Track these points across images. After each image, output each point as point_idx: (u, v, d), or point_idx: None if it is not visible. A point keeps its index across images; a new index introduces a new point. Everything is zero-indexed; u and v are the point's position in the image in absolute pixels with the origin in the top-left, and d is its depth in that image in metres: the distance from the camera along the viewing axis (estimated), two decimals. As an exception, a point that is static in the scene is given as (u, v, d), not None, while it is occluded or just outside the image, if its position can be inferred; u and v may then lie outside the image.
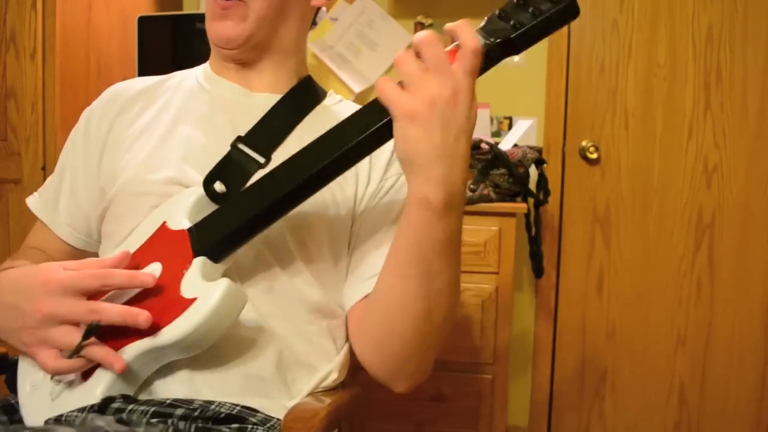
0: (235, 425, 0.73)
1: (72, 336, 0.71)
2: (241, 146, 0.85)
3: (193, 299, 0.71)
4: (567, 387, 2.16)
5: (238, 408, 0.75)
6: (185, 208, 0.79)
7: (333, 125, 0.80)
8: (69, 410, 0.73)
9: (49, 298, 0.72)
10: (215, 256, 0.75)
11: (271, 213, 0.75)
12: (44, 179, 0.97)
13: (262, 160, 0.84)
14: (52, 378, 0.76)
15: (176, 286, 0.73)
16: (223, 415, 0.73)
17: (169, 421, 0.70)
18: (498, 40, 0.73)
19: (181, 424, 0.70)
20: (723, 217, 2.03)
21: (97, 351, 0.72)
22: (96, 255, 0.92)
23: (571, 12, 0.72)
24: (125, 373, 0.73)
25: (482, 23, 0.75)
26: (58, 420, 0.72)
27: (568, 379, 2.16)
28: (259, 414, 0.76)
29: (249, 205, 0.75)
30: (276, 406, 0.80)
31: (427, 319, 0.76)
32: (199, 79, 0.95)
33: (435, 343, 0.80)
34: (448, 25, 0.72)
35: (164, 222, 0.79)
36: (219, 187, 0.81)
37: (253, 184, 0.77)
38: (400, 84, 0.68)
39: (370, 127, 0.71)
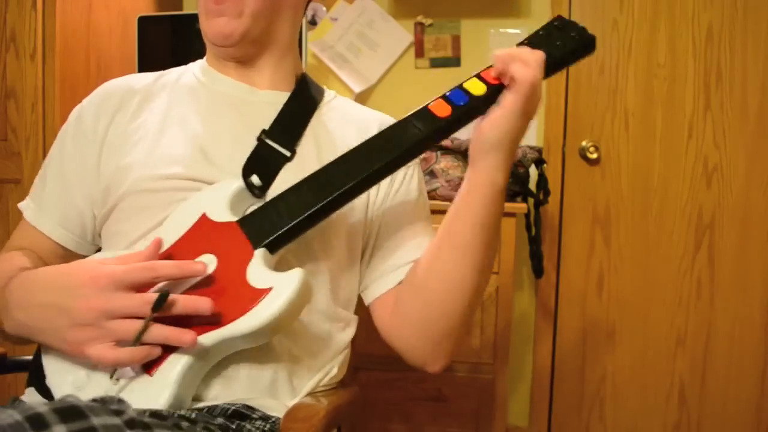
0: (241, 422, 0.73)
1: (130, 326, 0.69)
2: (268, 140, 0.86)
3: (268, 289, 0.71)
4: (567, 387, 2.16)
5: (241, 405, 0.75)
6: (226, 200, 0.79)
7: (341, 119, 0.91)
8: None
9: (102, 293, 0.69)
10: (273, 249, 0.76)
11: (329, 208, 0.78)
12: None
13: (288, 153, 0.87)
14: (111, 376, 0.71)
15: (242, 277, 0.72)
16: (230, 411, 0.73)
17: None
18: None
19: (184, 424, 0.68)
20: (723, 217, 2.03)
21: (164, 330, 0.69)
22: (85, 256, 0.89)
23: (590, 47, 0.86)
24: (194, 365, 0.71)
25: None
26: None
27: (568, 378, 2.16)
28: (257, 411, 0.76)
29: (306, 200, 0.77)
30: (280, 406, 0.80)
31: (476, 294, 0.85)
32: (198, 75, 0.94)
33: (471, 319, 0.89)
34: (508, 56, 0.79)
35: (204, 213, 0.79)
36: (256, 180, 0.83)
37: (304, 180, 0.79)
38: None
39: (426, 131, 0.79)
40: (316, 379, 0.85)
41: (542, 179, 1.85)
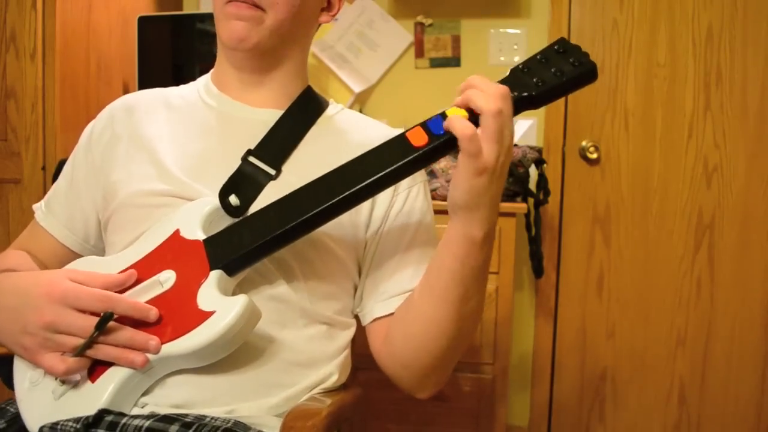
0: None
1: (75, 340, 0.72)
2: (252, 159, 0.86)
3: (211, 312, 0.72)
4: (567, 387, 2.16)
5: (232, 422, 0.75)
6: (199, 218, 0.80)
7: (337, 137, 0.89)
8: (68, 416, 0.73)
9: (52, 307, 0.73)
10: (231, 271, 0.76)
11: (292, 234, 0.76)
12: (44, 179, 0.98)
13: (272, 172, 0.86)
14: (56, 377, 0.76)
15: (192, 298, 0.74)
16: (220, 430, 0.73)
17: None
18: (522, 94, 0.75)
19: None
20: (723, 217, 2.03)
21: (112, 351, 0.73)
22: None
23: (591, 76, 0.77)
24: (134, 377, 0.74)
25: (506, 75, 0.77)
26: (54, 428, 0.72)
27: (568, 379, 2.16)
28: (252, 430, 0.76)
29: (269, 225, 0.76)
30: (270, 409, 0.80)
31: (458, 338, 0.83)
32: (201, 93, 0.95)
33: (459, 355, 0.88)
34: (466, 84, 0.74)
35: (177, 229, 0.80)
36: (234, 200, 0.82)
37: (272, 204, 0.78)
38: (473, 121, 0.71)
39: (396, 162, 0.74)
40: (315, 379, 0.85)
41: (542, 179, 1.85)
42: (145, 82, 1.99)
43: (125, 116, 0.93)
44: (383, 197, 0.90)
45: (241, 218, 0.80)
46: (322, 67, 2.25)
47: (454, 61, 2.19)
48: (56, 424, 0.72)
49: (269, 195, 0.83)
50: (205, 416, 0.75)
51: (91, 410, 0.72)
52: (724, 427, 2.06)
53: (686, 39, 2.02)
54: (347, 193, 0.74)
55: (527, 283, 2.20)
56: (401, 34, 2.21)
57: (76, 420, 0.71)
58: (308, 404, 0.80)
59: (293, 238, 0.77)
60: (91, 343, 0.72)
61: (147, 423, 0.71)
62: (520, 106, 0.75)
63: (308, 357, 0.85)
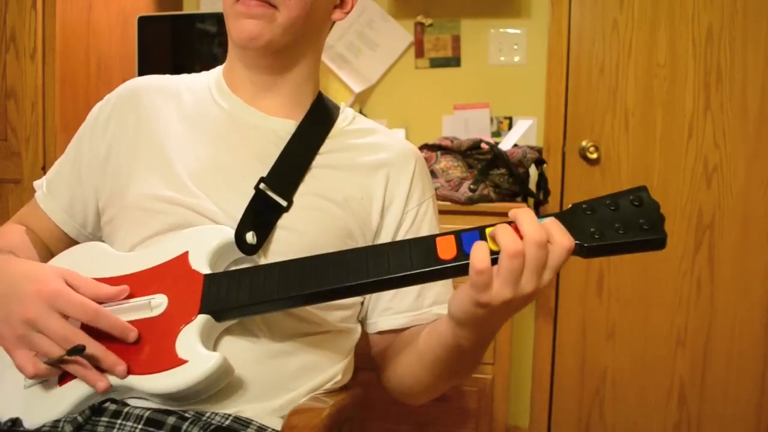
0: None
1: (51, 346, 0.72)
2: (264, 188, 0.84)
3: (183, 361, 0.71)
4: (567, 387, 2.16)
5: (231, 419, 0.75)
6: (209, 249, 0.79)
7: (348, 157, 0.89)
8: (30, 410, 0.74)
9: (38, 306, 0.73)
10: (220, 318, 0.75)
11: (292, 303, 0.75)
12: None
13: (284, 203, 0.84)
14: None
15: (173, 336, 0.73)
16: (213, 426, 0.73)
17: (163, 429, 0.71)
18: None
19: None
20: (723, 217, 2.03)
21: (80, 369, 0.73)
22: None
23: (657, 244, 0.66)
24: (97, 395, 0.74)
25: (566, 209, 0.69)
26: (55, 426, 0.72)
27: (568, 379, 2.16)
28: (253, 423, 0.76)
29: (272, 287, 0.73)
30: (275, 411, 0.80)
31: (448, 385, 0.87)
32: (213, 90, 0.93)
33: (454, 383, 0.90)
34: (513, 214, 0.65)
35: (187, 252, 0.79)
36: (251, 238, 0.80)
37: (280, 264, 0.75)
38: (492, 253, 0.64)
39: (416, 268, 0.68)
40: (319, 380, 0.85)
41: (542, 179, 1.85)
42: (145, 82, 1.99)
43: (133, 105, 0.91)
44: (393, 213, 0.90)
45: (247, 268, 0.78)
46: (322, 67, 2.25)
47: (454, 61, 2.19)
48: (57, 421, 0.73)
49: (282, 227, 0.83)
50: (205, 412, 0.75)
51: (53, 414, 0.73)
52: (724, 427, 2.06)
53: (686, 39, 2.02)
54: (355, 283, 0.70)
55: (527, 283, 2.19)
56: (401, 34, 2.22)
57: (55, 422, 0.73)
58: (310, 404, 0.80)
59: (288, 307, 0.77)
60: (61, 361, 0.72)
61: (147, 413, 0.72)
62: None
63: (314, 362, 0.85)
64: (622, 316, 2.11)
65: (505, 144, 1.88)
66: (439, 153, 1.80)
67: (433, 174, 1.75)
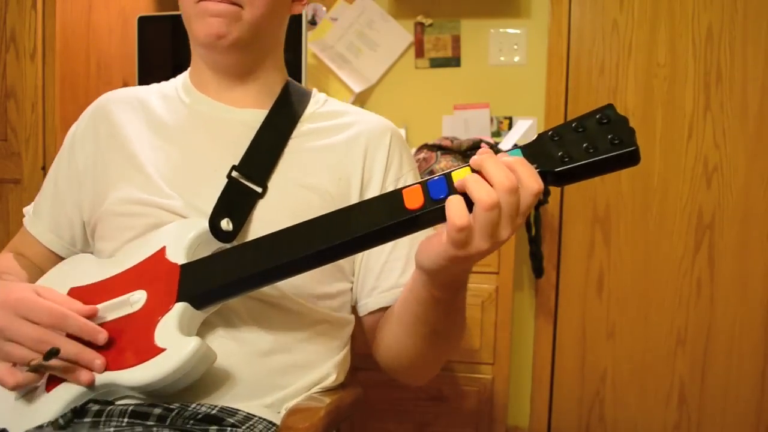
0: (214, 427, 0.73)
1: (23, 353, 0.72)
2: (237, 175, 0.83)
3: (162, 350, 0.71)
4: (567, 387, 2.16)
5: (217, 408, 0.75)
6: (186, 241, 0.79)
7: (322, 138, 0.87)
8: (22, 417, 0.74)
9: (8, 315, 0.73)
10: (199, 305, 0.75)
11: (266, 278, 0.74)
12: (44, 179, 0.98)
13: (259, 189, 0.84)
14: None
15: (151, 328, 0.73)
16: (201, 415, 0.73)
17: (148, 422, 0.72)
18: (541, 170, 0.63)
19: (155, 430, 0.71)
20: (723, 217, 2.03)
21: (61, 370, 0.73)
22: None
23: (629, 159, 0.64)
24: (86, 395, 0.74)
25: (531, 140, 0.66)
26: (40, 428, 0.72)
27: (568, 379, 2.16)
28: (239, 413, 0.76)
29: (245, 264, 0.72)
30: (266, 408, 0.80)
31: (435, 353, 0.83)
32: (179, 91, 0.94)
33: (447, 357, 0.88)
34: (476, 162, 0.62)
35: (164, 247, 0.79)
36: (226, 225, 0.80)
37: (253, 242, 0.75)
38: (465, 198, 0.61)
39: (383, 223, 0.66)
40: (312, 378, 0.85)
41: (542, 179, 1.85)
42: (145, 82, 1.99)
43: (105, 117, 0.92)
44: (372, 189, 0.90)
45: (221, 251, 0.78)
46: (322, 67, 2.25)
47: (454, 61, 2.19)
48: (40, 427, 0.73)
49: (260, 214, 0.82)
50: (191, 403, 0.75)
51: (43, 419, 0.73)
52: (724, 427, 2.05)
53: (686, 39, 2.02)
54: (325, 247, 0.69)
55: (527, 283, 2.19)
56: (401, 34, 2.21)
57: (39, 427, 0.73)
58: (307, 403, 0.80)
59: (265, 283, 0.75)
60: (39, 367, 0.72)
61: (131, 407, 0.73)
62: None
63: (306, 358, 0.85)
64: (622, 316, 2.11)
65: (506, 144, 1.88)
66: (439, 153, 1.80)
67: (433, 174, 1.76)
